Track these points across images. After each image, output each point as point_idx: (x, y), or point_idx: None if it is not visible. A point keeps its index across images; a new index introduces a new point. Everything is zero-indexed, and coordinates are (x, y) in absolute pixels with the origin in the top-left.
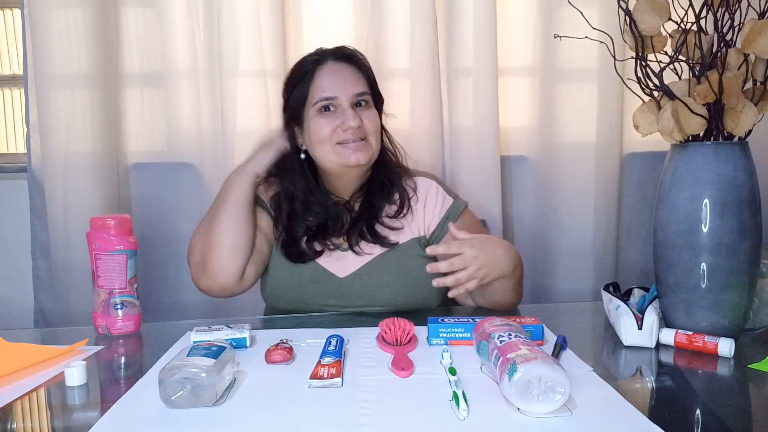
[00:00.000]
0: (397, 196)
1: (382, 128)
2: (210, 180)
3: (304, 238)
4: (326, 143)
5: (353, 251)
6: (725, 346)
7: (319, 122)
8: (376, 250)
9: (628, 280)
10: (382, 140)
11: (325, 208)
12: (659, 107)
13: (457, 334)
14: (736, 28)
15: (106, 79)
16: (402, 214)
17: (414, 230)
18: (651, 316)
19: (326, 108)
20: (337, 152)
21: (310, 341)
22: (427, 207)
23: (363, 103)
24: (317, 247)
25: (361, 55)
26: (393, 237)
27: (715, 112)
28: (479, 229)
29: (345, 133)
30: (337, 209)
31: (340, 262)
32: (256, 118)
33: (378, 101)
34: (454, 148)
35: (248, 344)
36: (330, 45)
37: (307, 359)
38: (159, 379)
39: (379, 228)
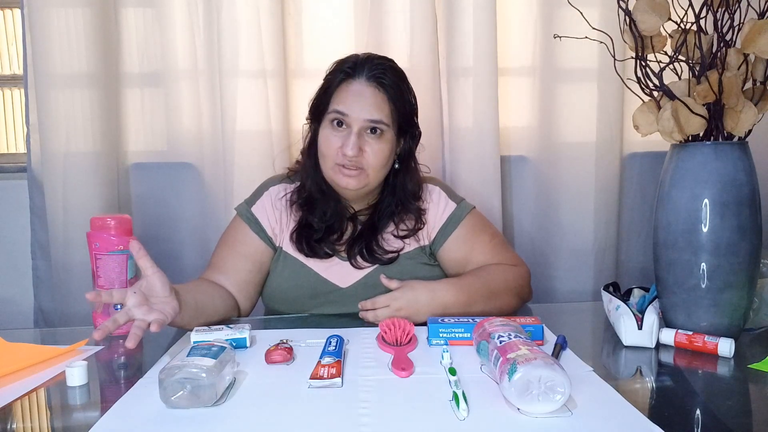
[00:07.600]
0: (406, 219)
1: (412, 160)
2: (210, 180)
3: (313, 236)
4: (327, 158)
5: (351, 263)
6: (725, 346)
7: (327, 135)
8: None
9: (628, 280)
10: (412, 171)
11: (328, 208)
12: (659, 107)
13: (457, 334)
14: (736, 28)
15: (106, 79)
16: (407, 239)
17: (419, 239)
18: (651, 316)
19: (339, 123)
20: (334, 170)
21: (310, 341)
22: (429, 214)
23: (377, 130)
24: (324, 247)
25: (394, 76)
26: (392, 255)
27: (715, 112)
28: (483, 233)
29: (343, 157)
30: (341, 213)
31: (341, 272)
32: (256, 118)
33: (404, 128)
34: (454, 148)
35: (248, 344)
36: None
37: (307, 359)
38: (159, 379)
39: (377, 248)
